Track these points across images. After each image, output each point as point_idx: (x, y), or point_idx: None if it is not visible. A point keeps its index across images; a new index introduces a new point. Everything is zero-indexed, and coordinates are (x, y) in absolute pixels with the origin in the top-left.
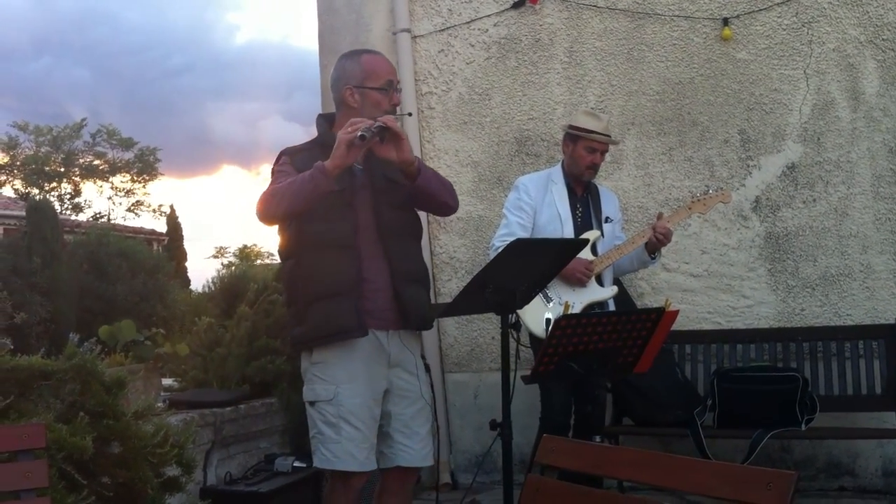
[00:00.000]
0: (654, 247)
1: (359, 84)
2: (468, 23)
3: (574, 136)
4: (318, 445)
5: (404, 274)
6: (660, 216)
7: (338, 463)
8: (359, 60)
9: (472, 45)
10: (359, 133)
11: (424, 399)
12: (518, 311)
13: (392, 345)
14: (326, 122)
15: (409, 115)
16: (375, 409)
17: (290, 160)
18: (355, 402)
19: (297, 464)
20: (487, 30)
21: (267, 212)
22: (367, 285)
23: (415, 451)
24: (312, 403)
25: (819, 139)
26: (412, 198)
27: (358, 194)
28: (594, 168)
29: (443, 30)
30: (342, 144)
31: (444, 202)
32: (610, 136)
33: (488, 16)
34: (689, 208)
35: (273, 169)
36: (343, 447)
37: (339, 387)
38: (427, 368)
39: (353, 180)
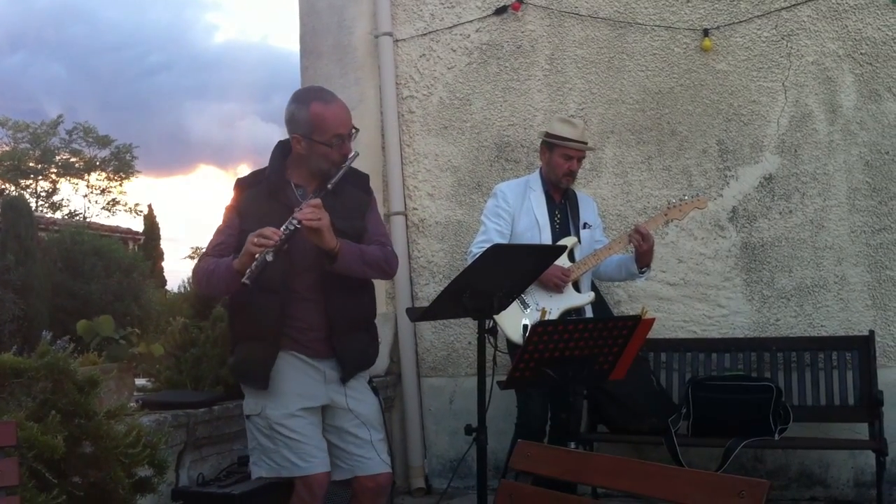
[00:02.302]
0: (642, 260)
1: (305, 135)
2: (450, 28)
3: (550, 143)
4: (261, 456)
5: (343, 324)
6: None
7: (281, 471)
8: (308, 110)
9: (454, 51)
10: (243, 280)
11: (366, 415)
12: (496, 317)
13: (325, 366)
14: (282, 154)
15: (357, 154)
16: (310, 416)
17: (237, 199)
18: (281, 413)
19: None
20: (469, 35)
21: (198, 289)
22: (297, 323)
23: (369, 459)
24: (248, 417)
25: (796, 151)
26: None
27: (300, 238)
28: (571, 175)
29: (425, 34)
30: (247, 255)
31: (370, 277)
32: (586, 143)
33: (470, 21)
34: (666, 214)
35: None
36: (281, 455)
37: (266, 401)
38: (375, 391)
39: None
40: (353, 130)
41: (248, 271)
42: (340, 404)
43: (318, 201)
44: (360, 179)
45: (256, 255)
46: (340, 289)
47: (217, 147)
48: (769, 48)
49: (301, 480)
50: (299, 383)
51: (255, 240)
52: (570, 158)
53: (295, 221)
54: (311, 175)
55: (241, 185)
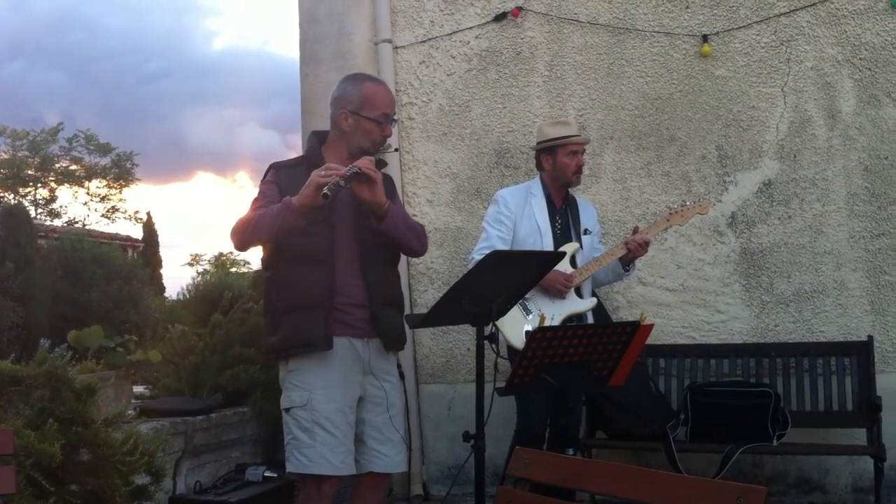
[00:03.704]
0: (628, 259)
1: (355, 110)
2: (450, 35)
3: (551, 147)
4: (293, 451)
5: (381, 296)
6: (636, 230)
7: (312, 467)
8: (360, 87)
9: (454, 57)
10: (324, 191)
11: (398, 406)
12: (498, 323)
13: (365, 352)
14: (317, 139)
15: (396, 150)
16: (350, 415)
17: (275, 176)
18: (330, 407)
19: (267, 473)
20: (469, 42)
21: (238, 239)
22: (341, 299)
23: (388, 457)
24: (288, 410)
25: (795, 156)
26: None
27: (339, 210)
28: (581, 170)
29: (424, 41)
30: (311, 186)
31: (408, 247)
32: (581, 135)
33: (470, 28)
34: (668, 220)
35: (260, 183)
36: (317, 451)
37: (313, 392)
38: (402, 376)
39: (337, 195)
40: (395, 118)
41: (325, 187)
42: (372, 395)
43: (371, 158)
44: (386, 173)
45: (330, 180)
46: (377, 262)
47: (216, 154)
48: (768, 54)
49: (315, 481)
50: (343, 376)
51: (323, 172)
52: (575, 154)
53: (354, 168)
54: (350, 157)
55: (278, 166)
